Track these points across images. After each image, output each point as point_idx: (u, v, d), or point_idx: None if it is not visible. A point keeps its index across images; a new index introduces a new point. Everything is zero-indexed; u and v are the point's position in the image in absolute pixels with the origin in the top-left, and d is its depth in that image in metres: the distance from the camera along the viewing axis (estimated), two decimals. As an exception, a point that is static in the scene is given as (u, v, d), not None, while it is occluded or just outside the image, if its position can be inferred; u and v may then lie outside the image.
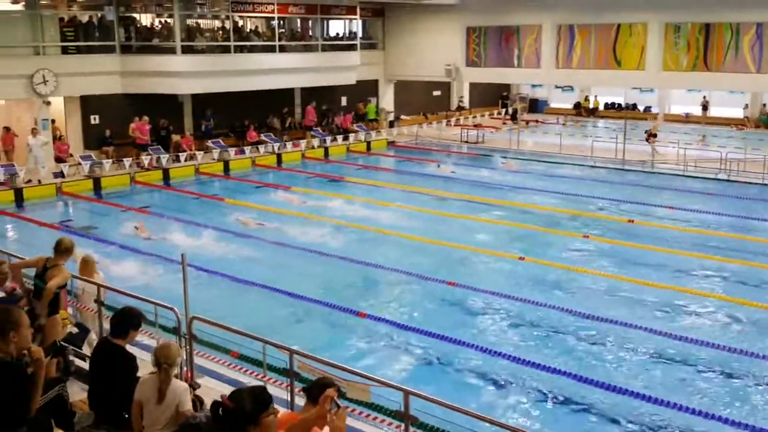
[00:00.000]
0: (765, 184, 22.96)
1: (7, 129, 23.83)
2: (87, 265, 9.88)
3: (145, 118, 25.52)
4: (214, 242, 17.01)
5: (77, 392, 7.50)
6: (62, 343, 6.98)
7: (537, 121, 38.28)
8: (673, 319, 12.47)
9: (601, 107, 41.01)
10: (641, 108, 39.99)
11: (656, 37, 29.73)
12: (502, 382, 10.14)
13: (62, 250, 8.06)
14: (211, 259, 15.44)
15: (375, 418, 8.20)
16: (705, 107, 37.41)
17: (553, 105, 42.96)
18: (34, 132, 22.93)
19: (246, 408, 4.59)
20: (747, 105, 36.16)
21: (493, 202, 21.10)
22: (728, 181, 23.68)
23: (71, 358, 8.02)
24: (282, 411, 5.97)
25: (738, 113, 36.44)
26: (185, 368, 8.04)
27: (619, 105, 40.57)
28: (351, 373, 7.21)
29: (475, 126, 33.82)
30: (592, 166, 26.27)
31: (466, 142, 31.72)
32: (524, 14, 32.44)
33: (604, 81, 33.54)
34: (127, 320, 6.45)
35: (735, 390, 10.05)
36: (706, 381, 10.29)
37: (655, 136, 28.15)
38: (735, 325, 12.30)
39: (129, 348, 6.60)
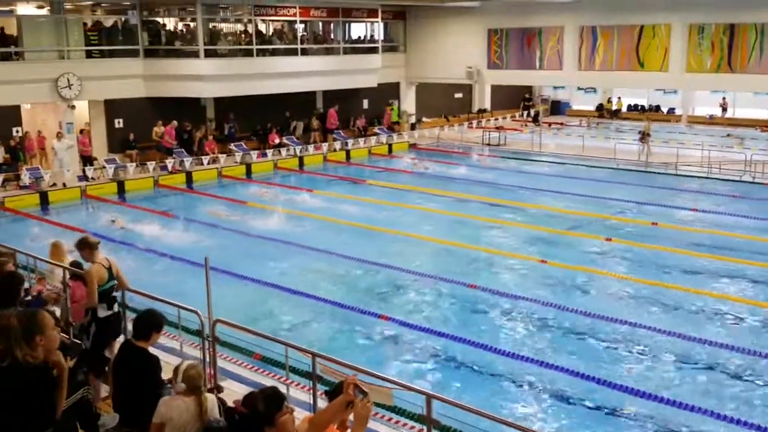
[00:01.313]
0: (791, 186, 22.71)
1: (38, 132, 24.20)
2: (57, 250, 10.24)
3: (174, 122, 25.77)
4: (236, 244, 17.13)
5: (101, 394, 7.57)
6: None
7: (562, 124, 37.93)
8: (697, 322, 12.34)
9: (624, 109, 40.68)
10: (665, 110, 39.65)
11: (680, 39, 29.52)
12: (525, 386, 10.10)
13: (95, 243, 8.08)
14: (232, 261, 15.53)
15: (397, 422, 8.20)
16: (724, 109, 37.04)
17: (575, 107, 42.72)
18: (59, 136, 23.23)
19: (260, 410, 4.60)
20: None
21: (515, 204, 21.02)
22: (753, 183, 23.42)
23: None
24: (304, 414, 5.99)
25: (763, 114, 36.01)
26: (208, 370, 8.09)
27: (642, 107, 40.25)
28: (373, 377, 7.21)
29: (497, 128, 33.72)
30: (615, 168, 26.10)
31: (488, 144, 31.64)
32: (546, 16, 32.32)
33: (627, 82, 33.34)
34: (150, 322, 6.48)
35: (761, 394, 9.93)
36: (731, 385, 10.18)
37: (648, 135, 28.08)
38: (761, 328, 12.16)
39: (151, 350, 6.64)
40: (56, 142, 23.09)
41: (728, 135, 32.76)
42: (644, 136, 27.93)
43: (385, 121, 33.61)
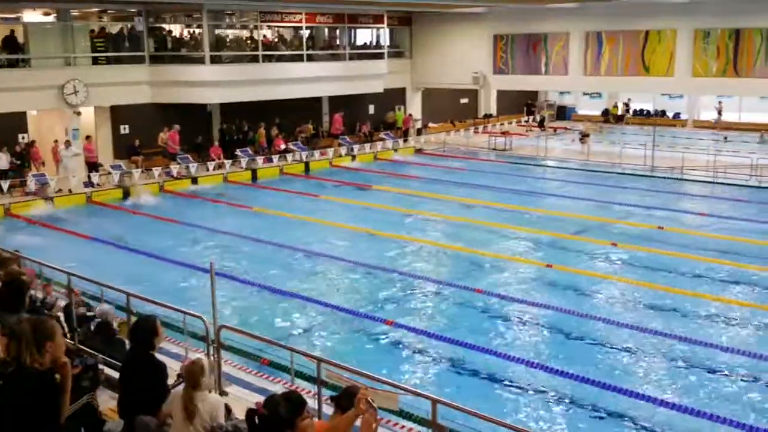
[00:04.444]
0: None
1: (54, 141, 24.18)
2: None
3: (176, 126, 25.76)
4: (241, 250, 17.15)
5: (107, 401, 7.56)
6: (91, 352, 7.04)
7: (566, 128, 37.83)
8: (702, 326, 12.30)
9: (630, 114, 40.62)
10: (670, 114, 39.57)
11: (685, 44, 29.50)
12: (530, 390, 10.06)
13: None
14: (237, 266, 15.60)
15: (402, 427, 8.18)
16: (719, 112, 37.01)
17: (580, 112, 42.64)
18: (67, 144, 23.23)
19: (281, 413, 4.60)
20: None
21: (521, 209, 20.98)
22: (759, 187, 23.33)
23: (100, 367, 8.13)
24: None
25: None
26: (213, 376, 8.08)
27: (648, 111, 40.19)
28: (378, 382, 7.20)
29: (503, 133, 33.70)
30: (621, 173, 26.06)
31: (494, 149, 31.62)
32: (552, 22, 32.34)
33: (632, 87, 33.35)
34: (145, 330, 6.46)
35: (760, 398, 9.88)
36: (735, 388, 10.13)
37: (588, 136, 29.89)
38: (765, 331, 12.11)
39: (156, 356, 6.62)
40: (63, 149, 23.12)
41: (725, 138, 32.88)
42: (584, 137, 29.75)
43: (404, 124, 34.00)
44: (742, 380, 10.38)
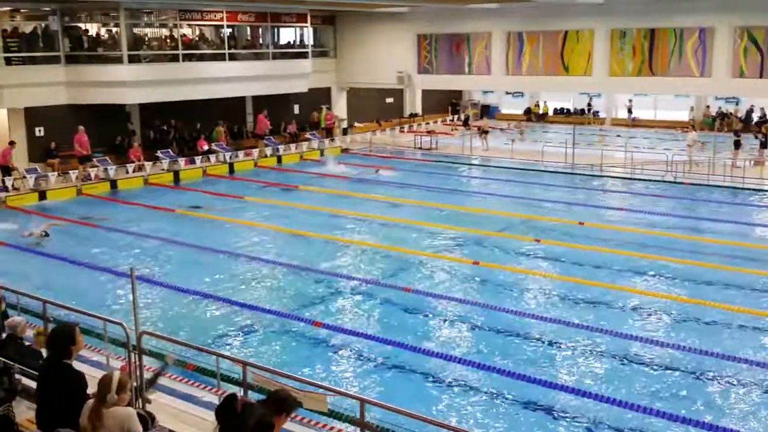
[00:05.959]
0: (710, 185, 23.47)
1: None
2: None
3: (81, 128, 24.56)
4: (164, 253, 16.81)
5: (24, 411, 7.30)
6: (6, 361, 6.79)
7: (490, 127, 38.32)
8: (623, 318, 12.62)
9: (551, 113, 41.53)
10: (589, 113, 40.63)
11: (602, 43, 30.32)
12: (458, 387, 10.13)
13: None
14: (162, 270, 15.29)
15: (332, 428, 8.13)
16: (630, 110, 38.18)
17: (504, 111, 43.33)
18: None
19: (246, 423, 4.53)
20: (692, 107, 36.92)
21: (447, 207, 21.17)
22: (674, 182, 24.13)
23: (17, 377, 7.84)
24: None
25: (683, 116, 37.16)
26: (135, 383, 7.87)
27: (568, 110, 41.15)
28: (307, 384, 7.15)
29: (429, 132, 33.96)
30: (543, 171, 26.56)
31: (420, 148, 31.82)
32: (474, 22, 32.78)
33: (552, 87, 34.10)
34: (63, 338, 6.25)
35: (682, 387, 10.19)
36: (656, 379, 10.41)
37: (487, 132, 31.62)
38: (684, 323, 12.49)
39: (76, 365, 6.42)
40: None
41: (618, 135, 33.91)
42: (483, 133, 31.42)
43: (327, 123, 33.58)
44: (665, 371, 10.67)
